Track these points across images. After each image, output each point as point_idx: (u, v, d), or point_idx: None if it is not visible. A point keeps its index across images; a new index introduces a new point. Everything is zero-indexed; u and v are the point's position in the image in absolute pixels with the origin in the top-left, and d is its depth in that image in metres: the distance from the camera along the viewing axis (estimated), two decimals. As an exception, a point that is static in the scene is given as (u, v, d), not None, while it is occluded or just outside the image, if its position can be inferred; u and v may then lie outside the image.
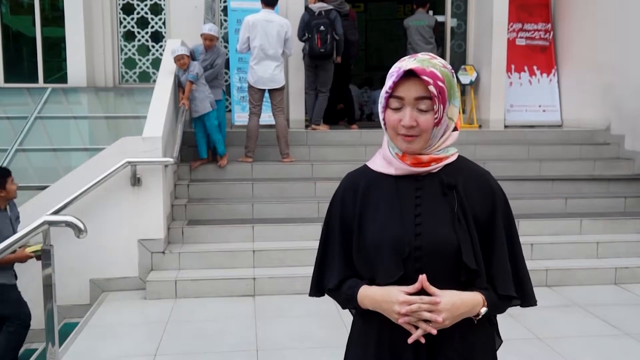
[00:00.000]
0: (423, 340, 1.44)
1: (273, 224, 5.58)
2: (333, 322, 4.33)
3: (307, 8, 7.20)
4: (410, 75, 1.46)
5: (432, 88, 1.44)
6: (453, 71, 1.54)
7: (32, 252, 4.17)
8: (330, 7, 7.11)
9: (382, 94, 1.52)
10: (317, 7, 7.10)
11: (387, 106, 1.51)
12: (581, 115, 7.89)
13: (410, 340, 1.44)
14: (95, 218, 4.85)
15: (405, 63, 1.47)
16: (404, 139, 1.49)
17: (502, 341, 1.63)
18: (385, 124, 1.53)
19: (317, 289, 1.68)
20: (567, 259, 5.41)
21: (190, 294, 4.92)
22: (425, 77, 1.44)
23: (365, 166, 1.63)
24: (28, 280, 4.64)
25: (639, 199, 6.25)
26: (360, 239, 1.54)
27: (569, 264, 5.29)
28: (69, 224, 3.56)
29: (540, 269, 5.12)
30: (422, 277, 1.44)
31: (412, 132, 1.47)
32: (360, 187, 1.58)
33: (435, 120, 1.47)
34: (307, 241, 5.32)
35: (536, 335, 4.08)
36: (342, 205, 1.60)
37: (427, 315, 1.42)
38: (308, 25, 7.00)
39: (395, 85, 1.48)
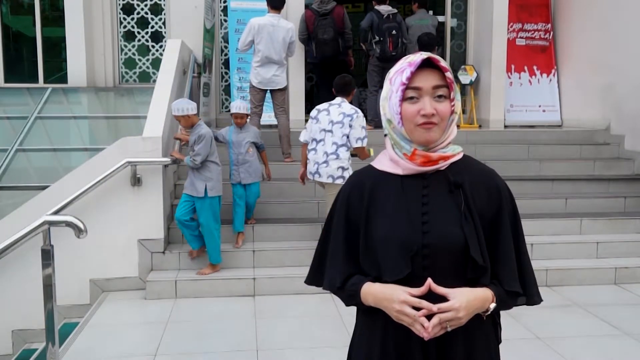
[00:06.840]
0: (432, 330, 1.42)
1: (273, 224, 5.58)
2: (333, 322, 4.33)
3: (374, 10, 7.27)
4: (423, 66, 1.49)
5: (449, 74, 1.49)
6: None
7: None
8: (395, 10, 7.23)
9: (395, 88, 1.50)
10: (385, 10, 7.18)
11: (403, 98, 1.50)
12: (581, 115, 7.89)
13: (427, 338, 1.42)
14: (95, 218, 4.85)
15: (417, 56, 1.49)
16: (423, 127, 1.49)
17: (500, 341, 1.64)
18: (401, 118, 1.50)
19: (314, 280, 1.72)
20: (567, 259, 5.41)
21: (190, 294, 4.92)
22: (442, 64, 1.49)
23: (370, 166, 1.64)
24: (28, 280, 4.65)
25: (639, 199, 6.25)
26: (368, 238, 1.55)
27: (569, 264, 5.29)
28: (69, 224, 3.56)
29: (540, 269, 5.12)
30: (429, 281, 1.44)
31: (433, 120, 1.48)
32: (366, 186, 1.59)
33: (452, 108, 1.51)
34: (307, 241, 5.33)
35: (536, 335, 4.08)
36: (348, 203, 1.61)
37: (448, 317, 1.41)
38: (379, 28, 7.06)
39: (412, 76, 1.49)
